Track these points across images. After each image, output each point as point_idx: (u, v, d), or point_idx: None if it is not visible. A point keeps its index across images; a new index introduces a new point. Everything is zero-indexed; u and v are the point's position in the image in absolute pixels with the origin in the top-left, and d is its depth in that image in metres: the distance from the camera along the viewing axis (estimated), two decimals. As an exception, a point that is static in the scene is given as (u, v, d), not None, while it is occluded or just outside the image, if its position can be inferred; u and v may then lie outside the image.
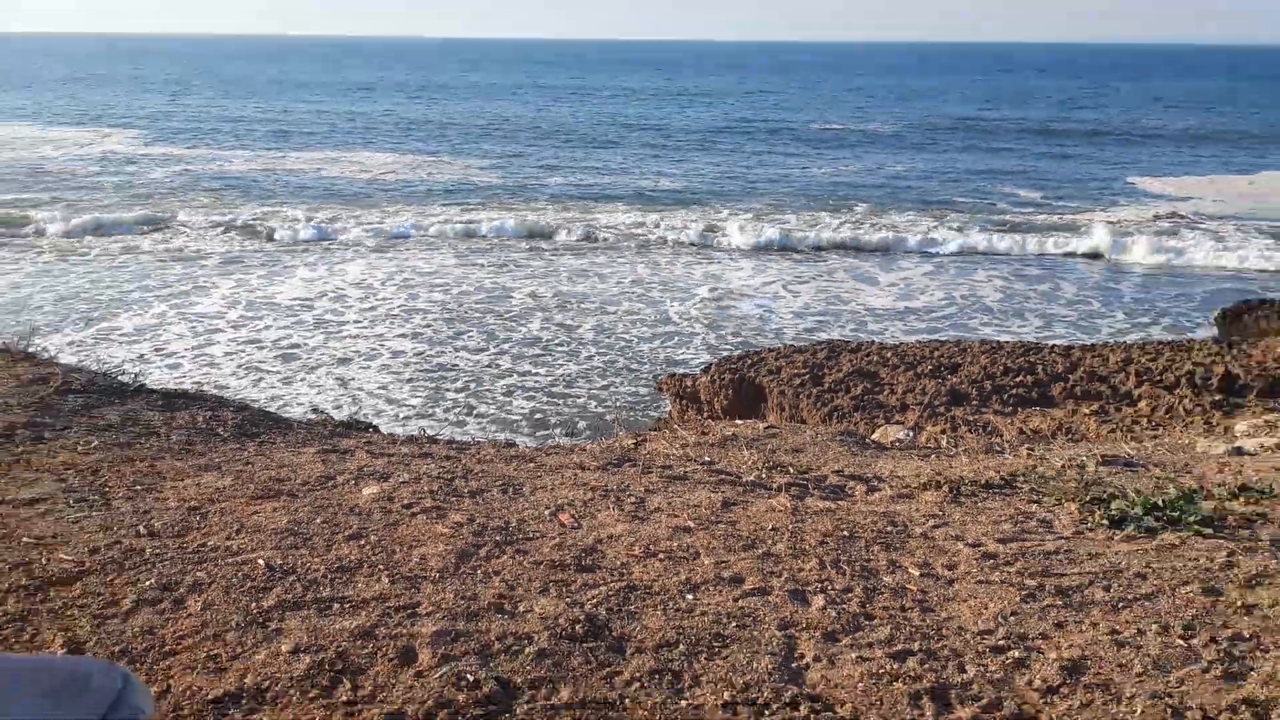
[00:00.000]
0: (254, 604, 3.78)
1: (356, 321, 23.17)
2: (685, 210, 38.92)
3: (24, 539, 4.30)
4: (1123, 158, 56.60)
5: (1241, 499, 5.44)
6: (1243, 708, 3.30)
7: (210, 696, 3.19)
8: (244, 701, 3.18)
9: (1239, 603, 4.09)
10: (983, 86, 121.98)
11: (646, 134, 67.16)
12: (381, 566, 4.14)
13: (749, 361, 16.09)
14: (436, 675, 3.32)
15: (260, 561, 4.13)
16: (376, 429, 7.37)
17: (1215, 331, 21.01)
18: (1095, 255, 31.70)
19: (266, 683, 3.27)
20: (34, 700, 0.76)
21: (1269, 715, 3.27)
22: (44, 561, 4.09)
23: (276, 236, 32.33)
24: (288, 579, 4.00)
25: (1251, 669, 3.56)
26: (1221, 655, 3.65)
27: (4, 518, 4.52)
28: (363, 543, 4.37)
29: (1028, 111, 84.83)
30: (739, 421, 9.62)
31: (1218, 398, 13.79)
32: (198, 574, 4.02)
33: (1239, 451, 7.65)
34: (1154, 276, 29.26)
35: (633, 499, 5.14)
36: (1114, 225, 36.20)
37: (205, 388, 11.72)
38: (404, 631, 3.60)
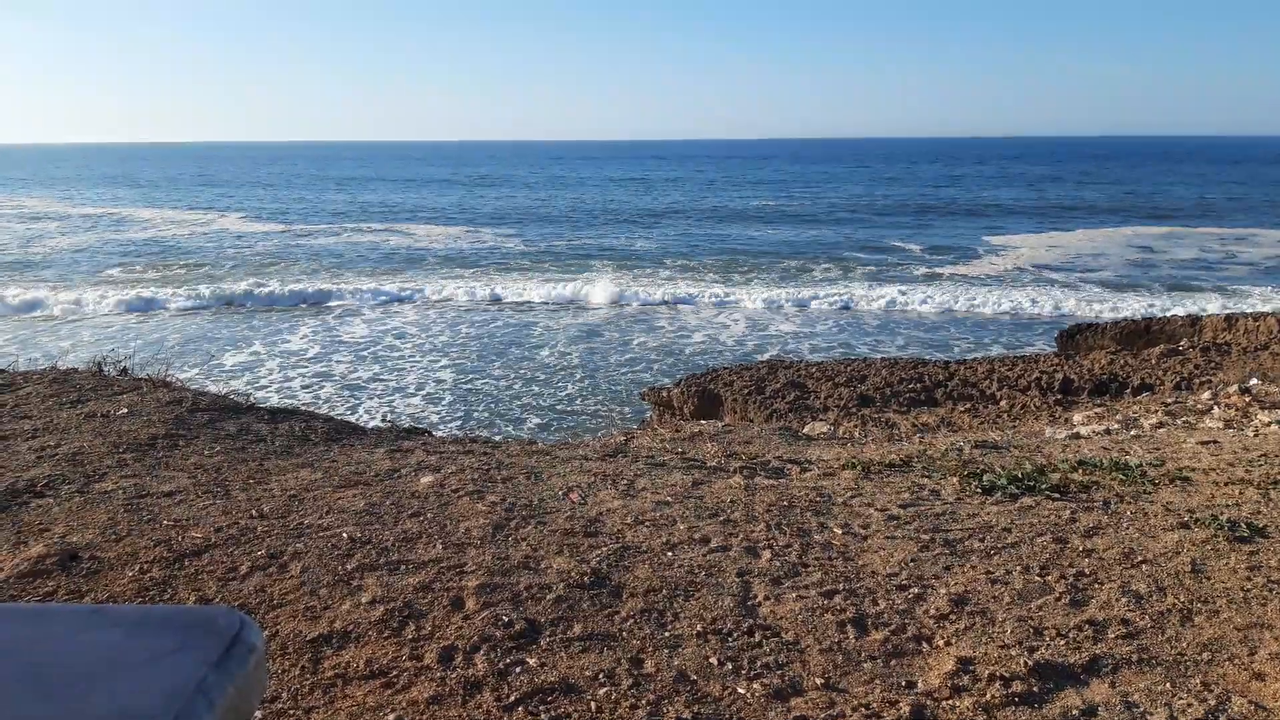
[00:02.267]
0: (340, 567, 3.74)
1: (410, 356, 23.07)
2: (653, 266, 39.02)
3: (164, 521, 4.25)
4: (975, 222, 57.03)
5: (1080, 471, 5.46)
6: (1086, 626, 3.30)
7: (309, 638, 3.16)
8: (334, 640, 3.15)
9: (1080, 549, 4.09)
10: (869, 171, 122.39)
11: (627, 210, 67.41)
12: (436, 536, 4.10)
13: (709, 377, 16.09)
14: (480, 617, 3.29)
15: (344, 535, 4.09)
16: (431, 433, 7.31)
17: (1055, 348, 21.13)
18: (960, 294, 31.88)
19: (351, 626, 3.24)
20: (172, 635, 0.76)
21: (1105, 631, 3.27)
22: (179, 538, 4.04)
23: (349, 291, 32.18)
24: (365, 547, 3.96)
25: (1091, 598, 3.56)
26: (1069, 588, 3.65)
27: (149, 506, 4.47)
28: (422, 519, 4.33)
29: (905, 189, 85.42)
30: (703, 422, 9.60)
31: (1059, 397, 13.86)
32: (297, 545, 3.97)
33: (1076, 436, 7.67)
34: (983, 314, 29.40)
35: (625, 481, 5.12)
36: (964, 276, 36.56)
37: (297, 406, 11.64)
38: (454, 585, 3.57)
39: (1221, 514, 4.53)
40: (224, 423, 6.28)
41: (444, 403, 18.79)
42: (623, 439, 7.29)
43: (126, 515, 4.32)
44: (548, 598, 3.46)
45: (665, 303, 30.51)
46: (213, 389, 8.44)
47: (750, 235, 50.86)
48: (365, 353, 23.26)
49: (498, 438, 13.62)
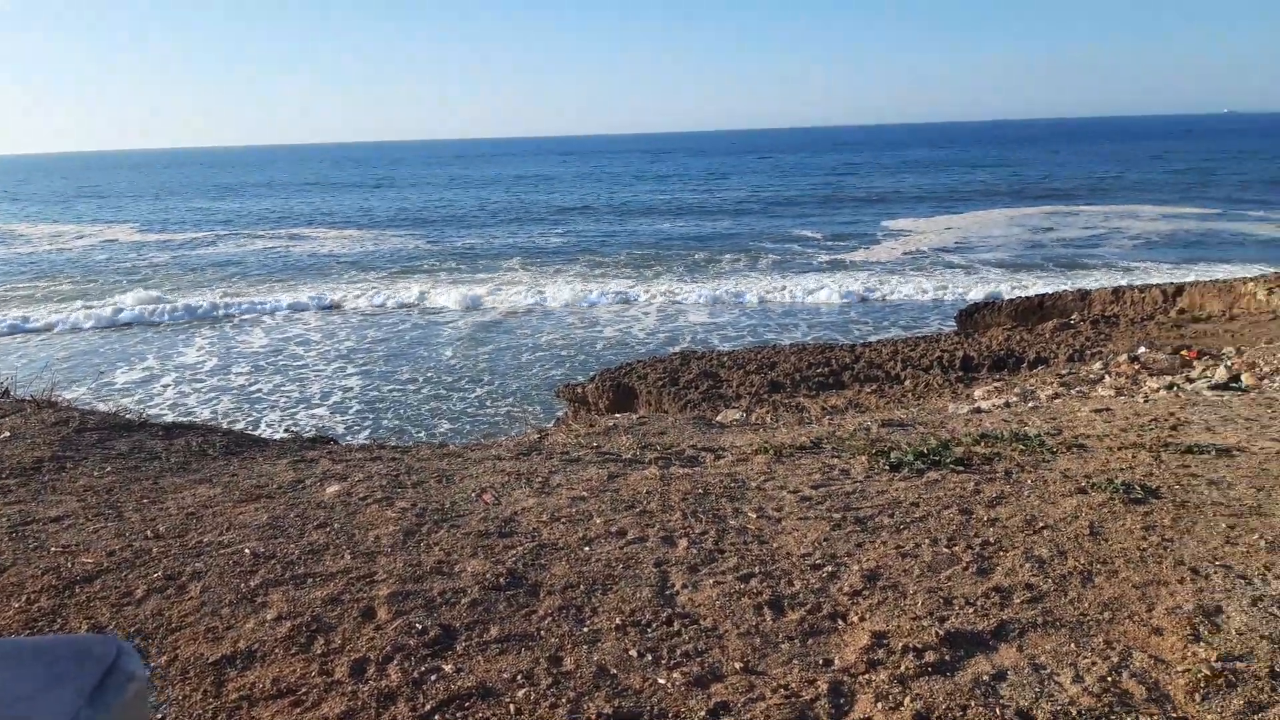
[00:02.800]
0: (243, 584, 3.59)
1: (314, 365, 22.47)
2: (564, 263, 38.89)
3: (53, 548, 4.02)
4: (874, 209, 58.39)
5: (982, 444, 5.62)
6: (993, 593, 3.39)
7: (211, 660, 3.02)
8: (238, 661, 3.01)
9: (985, 518, 4.21)
10: (769, 162, 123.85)
11: (535, 208, 67.01)
12: (344, 547, 3.98)
13: (623, 371, 16.10)
14: (392, 627, 3.20)
15: (247, 550, 3.94)
16: (337, 441, 7.11)
17: (955, 327, 21.79)
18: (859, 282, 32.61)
19: (256, 645, 3.11)
20: (45, 667, 0.70)
21: (1011, 597, 3.36)
22: (70, 565, 3.83)
23: (248, 299, 31.15)
24: (269, 562, 3.81)
25: (997, 565, 3.66)
26: (975, 557, 3.74)
27: (35, 533, 4.22)
28: (328, 529, 4.20)
29: (806, 179, 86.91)
30: (618, 415, 9.59)
31: (960, 374, 14.29)
32: (196, 565, 3.80)
33: (978, 410, 7.90)
34: (885, 297, 30.18)
35: (539, 479, 5.06)
36: (865, 261, 37.52)
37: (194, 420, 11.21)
38: (365, 595, 3.47)
39: (1116, 477, 4.71)
40: (115, 441, 5.99)
41: (351, 411, 18.33)
42: (537, 436, 7.22)
43: (11, 544, 4.08)
44: (462, 602, 3.39)
45: (577, 299, 30.39)
46: (102, 408, 8.06)
47: (658, 229, 51.09)
48: (266, 363, 22.54)
49: (410, 437, 13.34)
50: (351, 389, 19.95)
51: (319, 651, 3.06)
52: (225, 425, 9.09)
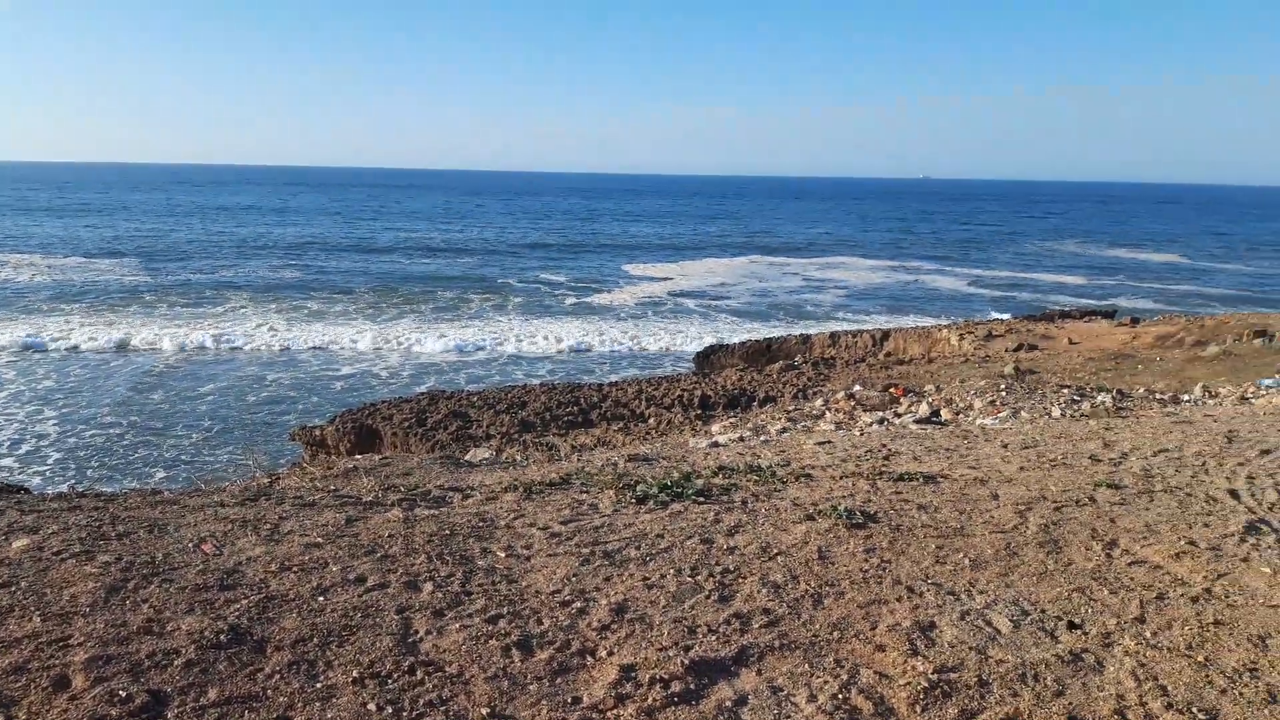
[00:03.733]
0: (-105, 662, 3.02)
1: (3, 408, 19.79)
2: (300, 298, 36.94)
3: None
4: (615, 254, 60.43)
5: (720, 475, 5.86)
6: (733, 619, 3.50)
7: None
8: (-116, 755, 2.52)
9: (725, 547, 4.36)
10: (517, 204, 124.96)
11: (265, 240, 63.22)
12: (33, 608, 3.45)
13: (367, 412, 15.47)
14: (90, 696, 2.81)
15: (-98, 621, 3.32)
16: (27, 490, 6.24)
17: (694, 367, 22.86)
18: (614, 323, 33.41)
19: (-91, 733, 2.61)
20: None
21: (750, 622, 3.48)
22: None
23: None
24: (-66, 633, 3.23)
25: (737, 592, 3.80)
26: (717, 585, 3.86)
27: None
28: (13, 589, 3.64)
29: (551, 222, 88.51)
30: (359, 457, 9.13)
31: (699, 411, 14.94)
32: None
33: (716, 445, 8.26)
34: (628, 339, 31.26)
35: (268, 526, 4.67)
36: (608, 305, 38.62)
37: None
38: (57, 662, 3.02)
39: (840, 504, 5.07)
40: None
41: (49, 461, 16.27)
42: (267, 481, 6.70)
43: None
44: (176, 663, 3.03)
45: (312, 337, 28.84)
46: None
47: (401, 266, 49.88)
48: (-58, 406, 19.58)
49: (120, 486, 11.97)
50: (48, 435, 17.71)
51: (-6, 733, 2.62)
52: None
